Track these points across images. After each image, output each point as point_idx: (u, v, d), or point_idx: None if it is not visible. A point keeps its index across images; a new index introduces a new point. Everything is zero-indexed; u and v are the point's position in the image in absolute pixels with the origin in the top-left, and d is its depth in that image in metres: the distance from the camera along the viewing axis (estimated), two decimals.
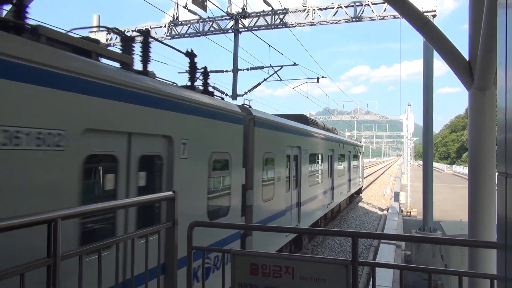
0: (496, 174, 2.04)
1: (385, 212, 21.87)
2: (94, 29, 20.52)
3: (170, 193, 3.32)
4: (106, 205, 2.90)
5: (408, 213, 22.51)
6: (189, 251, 3.43)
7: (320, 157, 13.70)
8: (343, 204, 20.50)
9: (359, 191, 27.48)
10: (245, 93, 18.79)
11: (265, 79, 18.43)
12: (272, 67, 18.06)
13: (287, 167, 9.95)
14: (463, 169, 62.72)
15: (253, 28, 17.92)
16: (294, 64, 18.00)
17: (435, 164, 58.46)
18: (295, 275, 3.00)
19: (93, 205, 2.70)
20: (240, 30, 18.30)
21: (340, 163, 17.98)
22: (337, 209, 18.64)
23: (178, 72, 20.08)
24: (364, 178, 49.97)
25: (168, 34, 19.56)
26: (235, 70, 18.41)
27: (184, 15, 20.38)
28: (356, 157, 23.43)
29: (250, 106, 8.40)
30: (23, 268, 2.07)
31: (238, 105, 7.69)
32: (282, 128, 9.40)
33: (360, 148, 26.34)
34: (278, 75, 18.14)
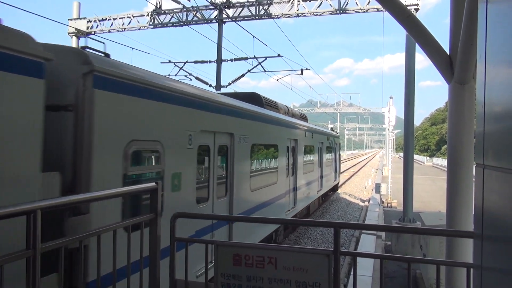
0: (474, 165, 2.10)
1: (366, 203, 22.24)
2: (75, 17, 20.03)
3: (153, 184, 3.29)
4: (87, 196, 2.85)
5: (389, 204, 22.94)
6: (172, 242, 3.42)
7: (273, 150, 10.21)
8: (312, 206, 16.61)
9: (335, 188, 23.66)
10: (229, 84, 18.73)
11: (249, 70, 18.38)
12: (256, 58, 18.02)
13: (203, 164, 6.50)
14: (442, 161, 64.15)
15: (237, 19, 17.79)
16: (278, 55, 17.99)
17: (415, 156, 59.59)
18: (278, 266, 3.03)
19: (74, 196, 2.65)
20: (224, 20, 18.14)
21: (307, 156, 14.54)
22: (304, 212, 15.03)
23: (161, 62, 19.85)
24: (346, 170, 50.76)
25: (151, 23, 19.24)
26: (219, 61, 18.28)
27: (167, 4, 20.08)
28: (330, 149, 20.13)
29: (105, 54, 4.53)
30: (1, 260, 2.03)
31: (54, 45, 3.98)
32: (185, 101, 5.66)
33: (336, 139, 22.47)
34: (262, 66, 18.13)
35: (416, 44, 10.38)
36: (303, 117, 15.25)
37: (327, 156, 18.90)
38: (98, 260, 2.80)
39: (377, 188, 24.29)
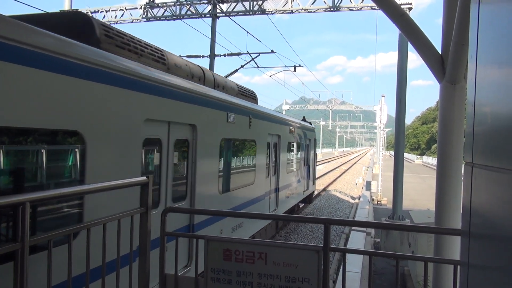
0: (463, 164, 2.12)
1: (356, 200, 22.38)
2: (66, 9, 19.76)
3: (144, 178, 3.28)
4: (77, 190, 2.84)
5: (379, 202, 23.13)
6: (162, 236, 3.41)
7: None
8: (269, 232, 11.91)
9: (307, 200, 17.99)
10: None
11: (242, 66, 18.33)
12: (250, 54, 17.97)
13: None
14: (432, 160, 64.83)
15: (231, 14, 17.71)
16: (272, 51, 17.97)
17: (406, 155, 60.08)
18: (268, 261, 3.05)
19: (64, 189, 2.63)
20: (218, 15, 18.06)
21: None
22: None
23: None
24: (337, 167, 50.82)
25: (144, 16, 19.08)
26: (212, 56, 18.21)
27: None
28: (301, 147, 14.74)
29: None
30: None
31: None
32: None
33: (309, 133, 16.60)
34: (255, 62, 18.08)
35: (409, 43, 10.44)
36: (248, 95, 9.76)
37: (297, 156, 13.65)
38: (87, 254, 2.79)
39: (368, 185, 24.46)
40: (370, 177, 33.61)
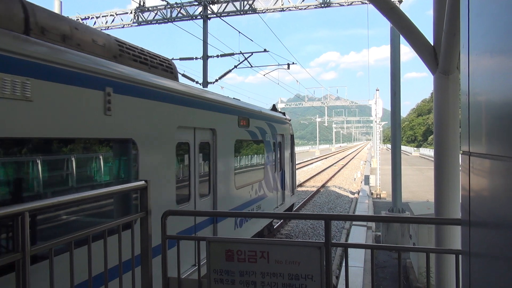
0: (460, 153, 2.13)
1: (356, 195, 22.43)
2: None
3: (142, 182, 3.27)
4: (75, 197, 2.83)
5: (378, 196, 23.18)
6: (164, 240, 3.41)
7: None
8: None
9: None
10: (216, 80, 18.64)
11: (235, 66, 18.32)
12: (243, 53, 17.96)
13: None
14: (429, 152, 65.04)
15: (222, 14, 17.69)
16: (265, 50, 17.96)
17: (403, 147, 60.30)
18: (270, 259, 3.05)
19: (62, 197, 2.62)
20: (209, 16, 18.03)
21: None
22: None
23: None
24: (336, 163, 50.80)
25: (134, 21, 19.02)
26: (205, 57, 18.19)
27: (151, 1, 19.87)
28: (267, 147, 10.65)
29: None
30: None
31: None
32: None
33: (281, 127, 12.26)
34: (248, 61, 18.08)
35: (401, 36, 10.48)
36: (164, 68, 6.51)
37: (242, 162, 9.06)
38: (89, 260, 2.78)
39: (366, 180, 24.51)
40: (368, 171, 33.69)
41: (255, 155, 9.87)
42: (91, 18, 19.73)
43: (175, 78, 6.73)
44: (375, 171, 27.68)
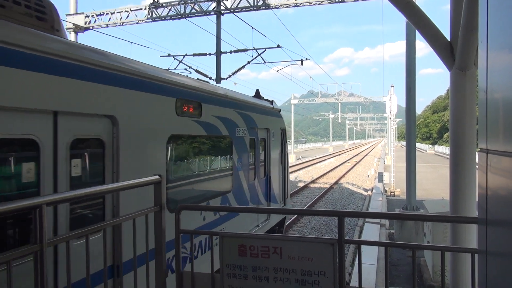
0: (477, 151, 2.09)
1: (369, 192, 22.26)
2: (72, 12, 19.96)
3: (156, 177, 3.30)
4: (91, 191, 2.87)
5: (392, 193, 22.97)
6: (177, 234, 3.44)
7: None
8: None
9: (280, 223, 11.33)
10: (229, 76, 18.68)
11: (248, 62, 18.31)
12: (256, 49, 17.93)
13: None
14: (444, 149, 64.10)
15: (236, 10, 17.68)
16: (278, 46, 17.90)
17: (417, 145, 59.57)
18: (283, 255, 3.05)
19: (79, 191, 2.67)
20: (222, 12, 18.03)
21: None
22: None
23: (161, 56, 19.80)
24: (349, 160, 50.48)
25: (148, 16, 19.15)
26: (219, 53, 18.21)
27: None
28: (246, 145, 8.20)
29: None
30: (9, 255, 2.06)
31: None
32: None
33: (265, 120, 9.59)
34: (262, 57, 18.05)
35: (416, 31, 10.32)
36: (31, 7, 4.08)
37: (202, 166, 6.83)
38: (104, 254, 2.83)
39: (380, 177, 24.29)
40: (382, 168, 33.39)
41: (215, 158, 7.17)
42: (106, 14, 19.93)
43: (51, 29, 4.17)
44: (389, 169, 27.41)
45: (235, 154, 7.54)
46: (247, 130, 8.12)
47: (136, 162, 4.53)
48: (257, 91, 10.43)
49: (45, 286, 2.19)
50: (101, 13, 20.03)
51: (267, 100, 10.39)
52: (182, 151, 6.06)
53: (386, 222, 13.26)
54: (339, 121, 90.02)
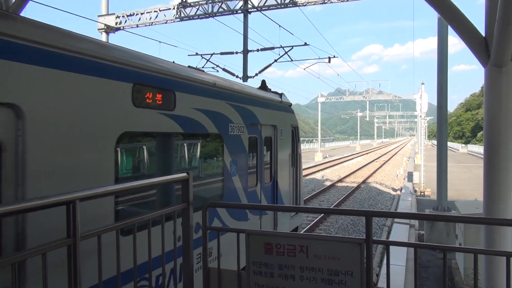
0: None
1: (398, 192, 21.80)
2: (103, 13, 20.50)
3: (184, 174, 3.35)
4: (122, 187, 2.94)
5: (422, 193, 22.41)
6: (204, 231, 3.48)
7: None
8: None
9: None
10: (256, 74, 18.70)
11: (275, 60, 18.26)
12: (283, 47, 17.86)
13: None
14: (478, 149, 61.91)
15: (263, 8, 17.66)
16: (305, 44, 17.76)
17: (449, 144, 57.81)
18: (309, 254, 3.03)
19: (110, 187, 2.75)
20: (249, 10, 18.06)
21: None
22: None
23: (188, 55, 20.06)
24: (377, 159, 49.53)
25: (177, 16, 19.41)
26: (245, 52, 18.26)
27: None
28: (244, 146, 6.89)
29: None
30: (45, 247, 2.14)
31: None
32: None
33: (272, 115, 8.28)
34: (288, 55, 17.96)
35: (449, 27, 10.02)
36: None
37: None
38: (134, 249, 2.90)
39: (410, 176, 23.72)
40: (412, 167, 32.59)
41: (197, 161, 5.87)
42: (136, 14, 20.35)
43: None
44: (419, 168, 26.74)
45: (227, 156, 6.22)
46: (245, 127, 6.85)
47: (56, 172, 3.24)
48: (263, 82, 9.18)
49: (78, 279, 2.27)
50: (131, 13, 20.48)
51: (275, 92, 9.12)
52: (145, 154, 4.77)
53: (415, 222, 12.94)
54: (367, 119, 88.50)
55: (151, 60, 4.75)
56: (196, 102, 5.41)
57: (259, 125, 7.53)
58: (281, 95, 9.13)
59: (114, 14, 20.53)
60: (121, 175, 4.19)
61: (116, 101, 3.93)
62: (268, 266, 3.15)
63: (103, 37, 20.31)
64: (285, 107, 9.20)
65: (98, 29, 20.47)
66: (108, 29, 20.24)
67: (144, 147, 4.71)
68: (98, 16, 20.57)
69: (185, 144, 5.48)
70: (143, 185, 3.25)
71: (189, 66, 6.16)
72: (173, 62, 5.58)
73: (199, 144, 5.79)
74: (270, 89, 9.07)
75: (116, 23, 20.39)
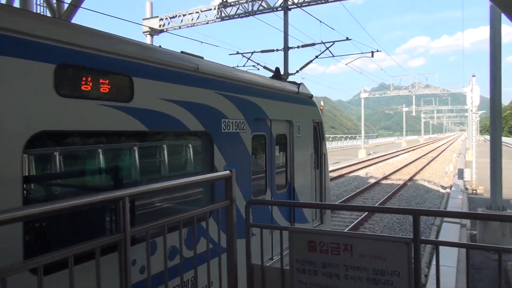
0: None
1: (448, 190, 20.86)
2: (148, 17, 21.19)
3: (228, 172, 3.40)
4: (167, 185, 3.03)
5: (474, 191, 21.28)
6: (247, 228, 3.51)
7: None
8: None
9: None
10: (297, 71, 18.58)
11: (316, 56, 18.05)
12: (324, 43, 17.61)
13: None
14: None
15: (303, 4, 17.51)
16: (347, 39, 17.42)
17: (504, 139, 54.46)
18: (354, 253, 2.98)
19: (156, 184, 2.84)
20: (289, 7, 17.96)
21: None
22: None
23: (229, 54, 20.29)
24: (425, 155, 47.47)
25: (218, 16, 19.68)
26: (286, 49, 18.19)
27: None
28: (246, 148, 5.73)
29: None
30: (98, 242, 2.25)
31: None
32: None
33: (286, 108, 7.15)
34: (330, 51, 17.69)
35: (503, 15, 9.41)
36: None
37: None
38: (180, 245, 2.98)
39: (460, 173, 22.60)
40: (463, 164, 31.07)
41: (173, 168, 4.97)
42: (178, 16, 20.86)
43: None
44: (470, 165, 25.45)
45: (220, 159, 5.04)
46: (246, 123, 5.67)
47: None
48: (277, 69, 8.27)
49: (129, 273, 2.37)
50: (174, 15, 21.01)
51: (292, 82, 8.15)
52: (78, 161, 3.74)
53: (467, 222, 12.32)
54: (413, 114, 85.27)
55: (93, 33, 3.61)
56: (169, 91, 4.23)
57: (268, 121, 6.44)
58: (299, 85, 8.05)
59: (157, 16, 21.17)
60: (32, 194, 3.12)
61: (27, 89, 2.87)
62: (311, 264, 3.13)
63: (147, 40, 21.01)
64: (304, 99, 8.03)
65: (143, 32, 21.20)
66: (153, 32, 20.90)
67: (79, 151, 3.57)
68: (143, 19, 21.30)
69: (151, 147, 4.37)
70: (188, 182, 3.34)
71: (182, 52, 5.06)
72: (133, 40, 4.27)
73: (174, 145, 4.77)
74: (286, 79, 8.14)
75: (160, 26, 21.01)
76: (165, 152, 4.53)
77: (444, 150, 60.01)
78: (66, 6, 10.52)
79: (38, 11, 10.22)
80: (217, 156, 4.98)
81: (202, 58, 5.25)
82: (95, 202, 2.27)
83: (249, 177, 5.72)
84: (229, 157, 5.19)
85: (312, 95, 8.49)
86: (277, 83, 7.16)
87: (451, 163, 35.65)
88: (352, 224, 12.92)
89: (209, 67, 5.09)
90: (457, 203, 15.88)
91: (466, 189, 21.29)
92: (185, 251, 3.16)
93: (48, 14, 10.57)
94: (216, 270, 3.32)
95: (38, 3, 10.32)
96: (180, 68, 4.52)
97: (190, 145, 5.03)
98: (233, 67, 6.25)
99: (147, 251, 2.66)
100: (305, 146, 7.74)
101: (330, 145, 70.81)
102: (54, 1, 10.63)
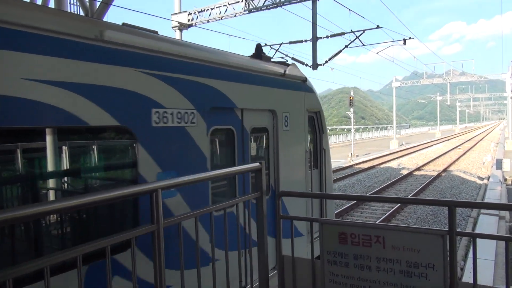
0: None
1: (485, 181, 20.10)
2: (176, 11, 21.44)
3: (257, 164, 3.42)
4: (198, 177, 3.09)
5: None
6: (278, 220, 3.53)
7: None
8: None
9: None
10: (326, 61, 18.34)
11: (346, 46, 17.74)
12: (353, 32, 17.26)
13: None
14: None
15: None
16: (378, 27, 16.99)
17: None
18: (386, 245, 2.94)
19: (187, 177, 2.89)
20: None
21: None
22: None
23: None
24: (460, 145, 45.75)
25: (245, 9, 19.65)
26: (315, 39, 17.95)
27: None
28: (185, 150, 4.18)
29: None
30: (133, 232, 2.33)
31: None
32: None
33: (265, 95, 5.69)
34: (360, 40, 17.33)
35: None
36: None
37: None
38: (211, 237, 3.03)
39: (498, 164, 21.68)
40: (501, 154, 29.81)
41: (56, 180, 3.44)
42: (206, 10, 20.98)
43: None
44: (509, 155, 24.38)
45: (150, 166, 3.67)
46: (197, 113, 4.29)
47: None
48: (258, 46, 6.59)
49: (163, 262, 2.44)
50: (202, 9, 21.14)
51: (280, 63, 6.75)
52: None
53: (506, 214, 11.86)
54: (448, 103, 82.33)
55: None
56: (45, 67, 2.93)
57: (237, 110, 5.11)
58: (288, 65, 6.60)
59: (186, 11, 21.37)
60: None
61: None
62: (343, 256, 3.11)
63: (177, 35, 21.27)
64: (294, 83, 6.45)
65: (172, 27, 21.47)
66: (181, 26, 21.13)
67: None
68: (172, 14, 21.56)
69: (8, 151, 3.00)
70: (219, 174, 3.38)
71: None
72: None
73: (60, 148, 3.26)
74: (270, 57, 6.70)
75: (188, 20, 21.20)
76: (35, 158, 3.12)
77: (481, 140, 57.74)
78: (98, 4, 10.79)
79: (72, 10, 10.54)
80: (143, 161, 3.59)
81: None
82: (130, 194, 2.34)
83: (205, 187, 4.32)
84: (166, 161, 3.84)
85: (306, 78, 6.85)
86: (250, 62, 5.64)
87: (489, 153, 34.26)
88: (384, 216, 12.69)
89: (122, 35, 3.62)
90: (495, 195, 15.30)
91: (505, 180, 20.43)
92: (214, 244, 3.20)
93: (81, 13, 10.87)
94: (247, 261, 3.36)
95: (72, 2, 10.63)
96: (65, 34, 3.09)
97: (91, 149, 3.61)
98: (180, 40, 4.43)
99: (180, 240, 2.72)
100: (296, 142, 6.33)
101: (361, 136, 69.64)
102: (87, 0, 10.93)
